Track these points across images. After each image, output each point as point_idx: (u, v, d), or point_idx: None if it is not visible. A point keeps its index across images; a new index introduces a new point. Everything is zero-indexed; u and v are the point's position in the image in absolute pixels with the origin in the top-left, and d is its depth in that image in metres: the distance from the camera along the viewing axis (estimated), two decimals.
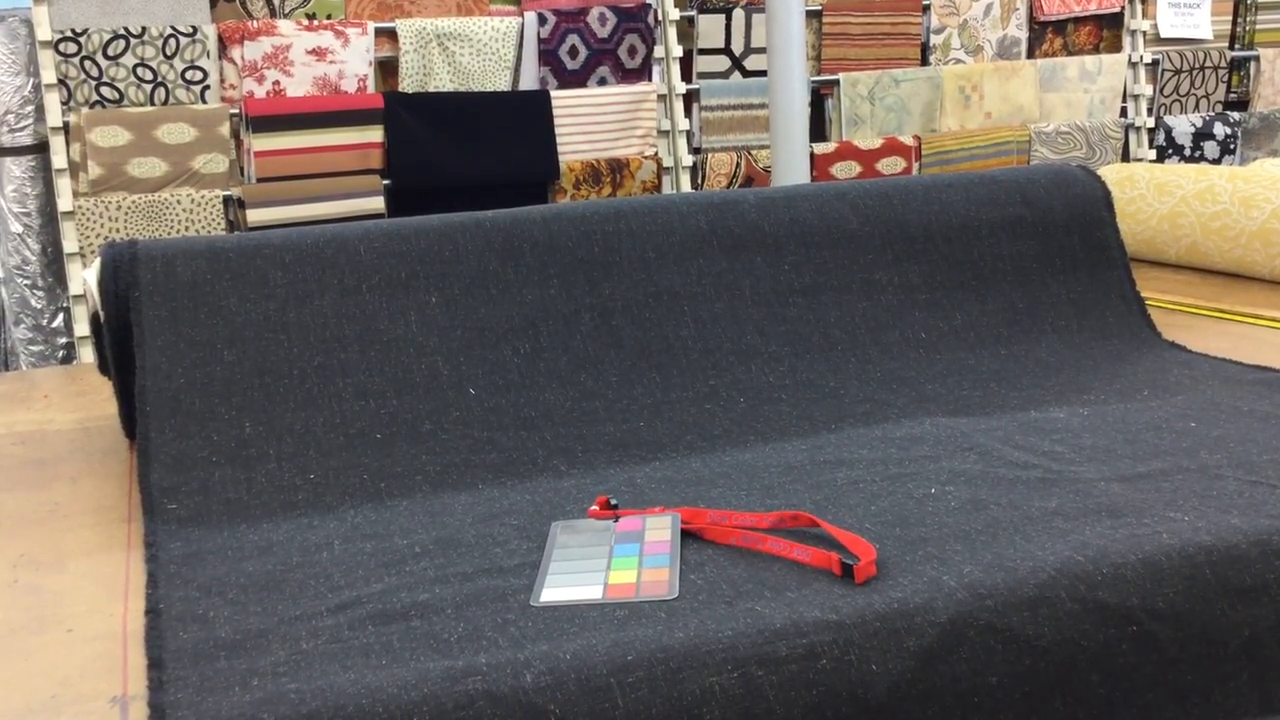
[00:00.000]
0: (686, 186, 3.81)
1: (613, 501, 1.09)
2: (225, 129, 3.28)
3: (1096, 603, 0.89)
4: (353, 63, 3.42)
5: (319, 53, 3.38)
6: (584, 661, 0.81)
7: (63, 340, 3.28)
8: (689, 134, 3.87)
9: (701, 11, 3.86)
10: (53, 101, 3.17)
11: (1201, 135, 4.38)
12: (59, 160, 3.17)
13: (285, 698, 0.78)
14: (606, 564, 0.98)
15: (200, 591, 0.98)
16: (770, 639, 0.83)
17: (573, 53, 3.68)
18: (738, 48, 3.91)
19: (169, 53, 3.23)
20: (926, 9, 4.08)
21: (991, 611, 0.87)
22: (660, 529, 1.04)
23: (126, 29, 3.20)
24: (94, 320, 1.44)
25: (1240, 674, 0.91)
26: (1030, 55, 4.28)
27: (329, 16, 3.44)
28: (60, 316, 3.28)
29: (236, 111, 3.32)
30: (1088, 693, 0.87)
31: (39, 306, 3.24)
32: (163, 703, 0.80)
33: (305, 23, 3.39)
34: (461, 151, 3.49)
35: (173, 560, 1.05)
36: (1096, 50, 4.39)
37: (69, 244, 3.16)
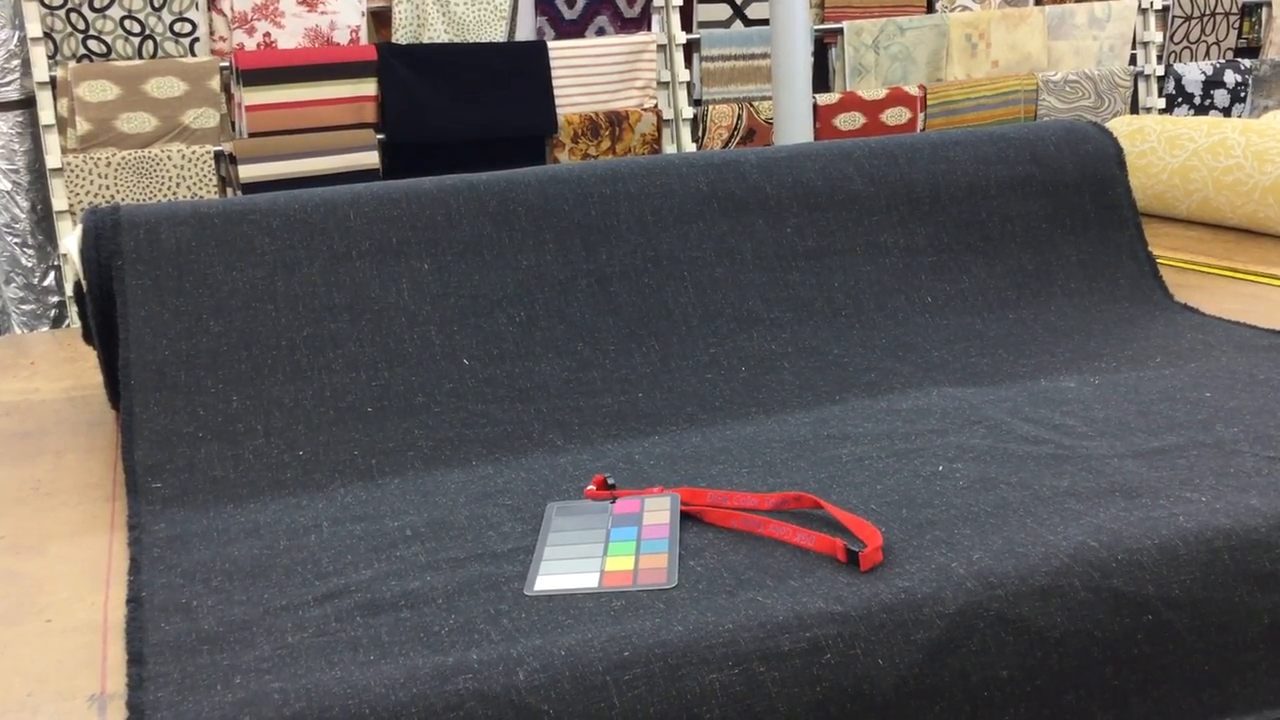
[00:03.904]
0: (687, 139, 3.74)
1: (610, 481, 1.06)
2: (215, 82, 3.21)
3: (1111, 591, 0.86)
4: (344, 13, 3.35)
5: (309, 3, 3.30)
6: (579, 658, 0.78)
7: (54, 299, 3.24)
8: (689, 85, 3.79)
9: None
10: (39, 55, 3.10)
11: (1212, 83, 4.30)
12: (46, 116, 3.11)
13: (269, 698, 0.75)
14: (603, 549, 0.94)
15: (184, 578, 0.95)
16: (772, 633, 0.80)
17: (570, 1, 3.59)
18: None
19: (156, 4, 3.16)
20: None
21: (1002, 601, 0.84)
22: (659, 510, 1.00)
23: None
24: (77, 288, 1.40)
25: (1259, 664, 0.88)
26: (1038, 1, 4.19)
27: None
28: (51, 275, 3.23)
29: (227, 64, 3.25)
30: (1101, 685, 0.84)
31: (29, 265, 3.20)
32: (142, 702, 0.77)
33: None
34: (457, 104, 3.42)
35: (156, 544, 1.02)
36: None
37: (58, 201, 3.11)
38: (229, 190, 3.26)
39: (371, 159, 3.35)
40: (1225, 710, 0.87)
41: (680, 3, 3.75)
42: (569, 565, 0.92)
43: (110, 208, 1.36)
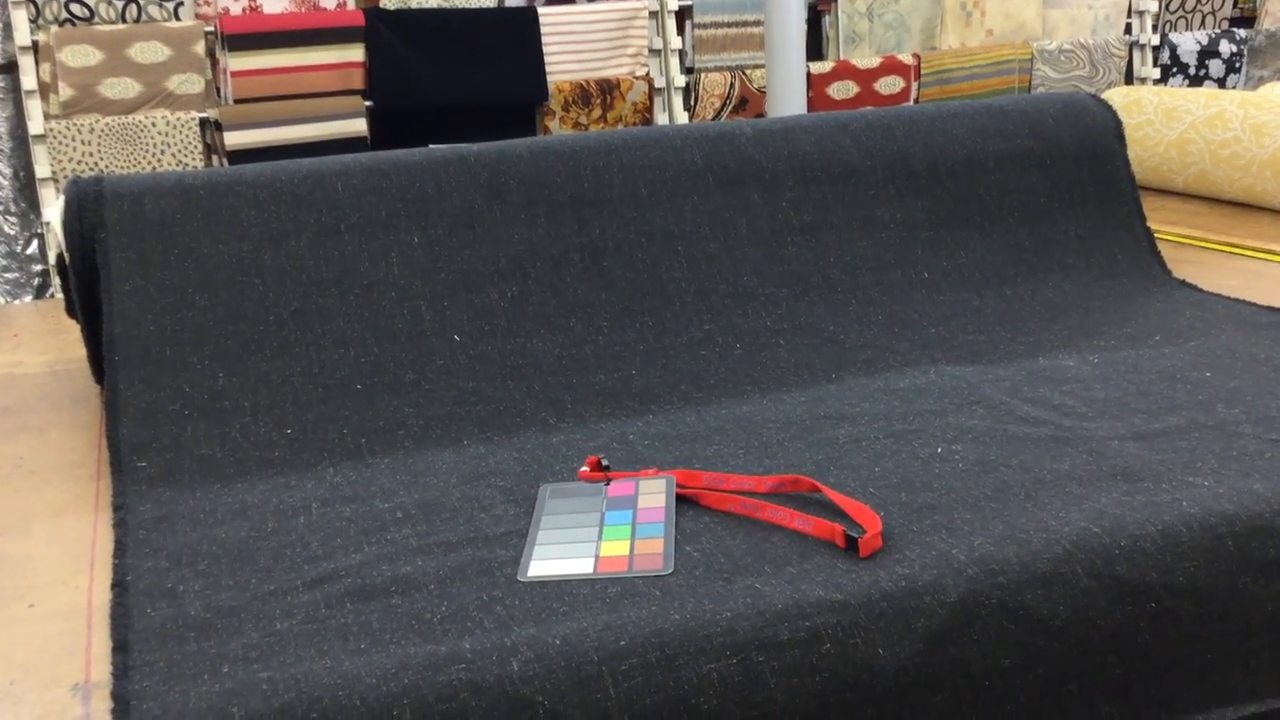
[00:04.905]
0: (679, 108, 3.70)
1: (604, 462, 1.04)
2: (200, 48, 3.16)
3: (1114, 578, 0.84)
4: None
5: None
6: (574, 647, 0.76)
7: (38, 268, 3.20)
8: (681, 53, 3.75)
9: None
10: (20, 19, 3.05)
11: (1207, 53, 4.27)
12: (29, 81, 3.06)
13: (257, 688, 0.74)
14: (598, 533, 0.93)
15: (170, 561, 0.93)
16: (771, 621, 0.79)
17: None
18: None
19: None
20: None
21: (1004, 589, 0.83)
22: (654, 493, 0.99)
23: None
24: (59, 261, 1.37)
25: (1263, 652, 0.87)
26: None
27: None
28: (34, 243, 3.19)
29: (212, 29, 3.20)
30: (1104, 674, 0.83)
31: (12, 233, 3.15)
32: (127, 692, 0.75)
33: None
34: (446, 71, 3.37)
35: (142, 525, 1.00)
36: None
37: (41, 169, 3.06)
38: (215, 157, 3.22)
39: (359, 126, 3.30)
40: (1229, 699, 0.86)
41: None
42: (563, 550, 0.90)
43: (93, 179, 1.33)
